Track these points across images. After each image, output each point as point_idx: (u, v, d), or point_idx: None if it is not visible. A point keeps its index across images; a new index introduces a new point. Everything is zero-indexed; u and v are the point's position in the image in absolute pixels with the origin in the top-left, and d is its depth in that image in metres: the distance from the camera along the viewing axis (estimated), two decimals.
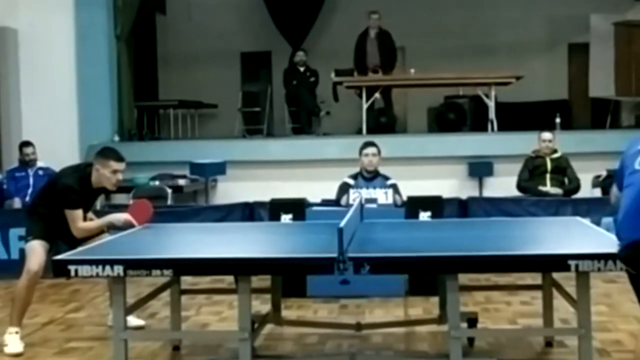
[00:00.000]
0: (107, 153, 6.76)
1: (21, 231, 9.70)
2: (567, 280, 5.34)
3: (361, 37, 14.87)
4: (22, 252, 9.73)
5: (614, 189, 4.88)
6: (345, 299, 7.98)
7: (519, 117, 14.59)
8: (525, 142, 11.31)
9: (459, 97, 16.07)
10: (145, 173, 12.20)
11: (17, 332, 6.47)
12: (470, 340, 6.20)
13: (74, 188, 6.55)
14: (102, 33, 13.45)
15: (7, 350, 6.35)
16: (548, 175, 10.67)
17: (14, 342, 6.40)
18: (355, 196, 8.66)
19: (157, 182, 11.95)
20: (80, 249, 5.89)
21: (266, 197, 9.24)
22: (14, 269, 9.65)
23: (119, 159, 6.70)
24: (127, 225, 6.60)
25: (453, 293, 5.09)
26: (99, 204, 11.06)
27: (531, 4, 17.29)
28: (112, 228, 6.79)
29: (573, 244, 5.39)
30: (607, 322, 6.89)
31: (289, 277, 7.36)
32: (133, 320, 6.69)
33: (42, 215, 6.68)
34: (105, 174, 6.61)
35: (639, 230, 4.31)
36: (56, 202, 6.61)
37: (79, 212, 6.59)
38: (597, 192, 10.96)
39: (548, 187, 10.58)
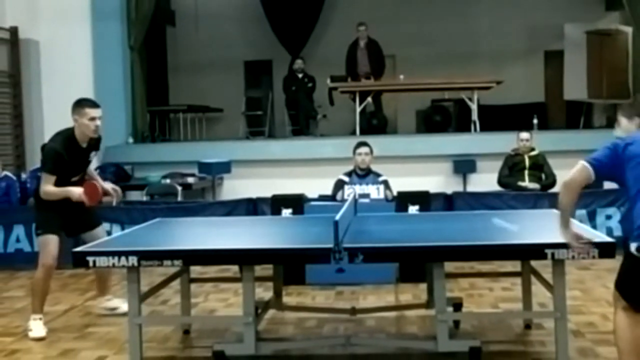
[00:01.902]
0: (82, 102, 6.59)
1: None
2: (544, 267, 5.34)
3: (351, 46, 14.88)
4: None
5: (585, 166, 4.80)
6: (341, 286, 7.98)
7: (500, 118, 14.57)
8: (505, 142, 11.31)
9: (444, 100, 16.08)
10: (157, 172, 12.20)
11: (40, 319, 6.46)
12: (456, 323, 6.21)
13: (57, 152, 6.38)
14: (117, 44, 13.44)
15: (31, 334, 6.35)
16: (526, 172, 10.68)
17: (38, 328, 6.39)
18: (349, 192, 8.66)
19: (168, 180, 11.94)
20: (97, 242, 5.88)
21: (268, 193, 9.23)
22: (37, 260, 9.73)
23: (94, 104, 6.57)
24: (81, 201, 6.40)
25: (440, 280, 5.09)
26: (114, 201, 11.13)
27: (510, 14, 17.29)
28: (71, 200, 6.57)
29: (549, 235, 5.37)
30: (580, 305, 6.90)
31: (289, 266, 7.35)
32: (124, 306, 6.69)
33: (48, 206, 6.50)
34: (84, 122, 6.44)
35: None
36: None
37: (52, 178, 6.39)
38: None
39: (526, 183, 10.59)
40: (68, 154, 6.42)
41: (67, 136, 6.50)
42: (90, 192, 6.45)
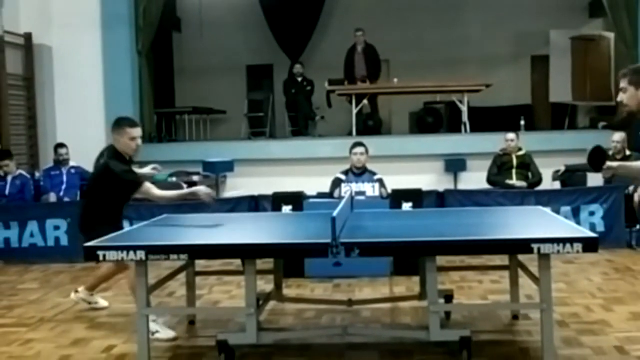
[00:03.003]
0: (121, 122, 6.44)
1: (56, 222, 9.78)
2: (530, 261, 5.34)
3: (350, 51, 14.88)
4: (58, 240, 9.84)
5: None
6: (338, 279, 7.98)
7: (489, 120, 14.57)
8: (494, 142, 11.32)
9: (436, 103, 16.07)
10: (164, 171, 12.12)
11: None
12: (447, 314, 6.22)
13: (126, 166, 6.28)
14: (126, 49, 13.42)
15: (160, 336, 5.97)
16: (514, 171, 10.69)
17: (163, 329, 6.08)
18: (346, 189, 8.66)
19: (174, 179, 11.93)
20: (108, 236, 5.87)
21: (269, 191, 9.24)
22: (51, 254, 9.76)
23: (133, 124, 6.42)
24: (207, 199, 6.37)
25: (432, 273, 5.09)
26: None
27: (498, 21, 17.29)
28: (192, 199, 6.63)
29: (536, 230, 5.39)
30: (565, 297, 6.90)
31: (289, 260, 7.36)
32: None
33: (104, 222, 6.15)
34: (125, 141, 6.30)
35: None
36: (118, 190, 6.30)
37: (148, 184, 6.31)
38: (557, 185, 10.96)
39: (514, 181, 10.60)
40: (124, 166, 6.32)
41: (116, 152, 6.33)
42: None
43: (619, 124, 5.11)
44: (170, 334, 6.01)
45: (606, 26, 14.92)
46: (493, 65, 16.90)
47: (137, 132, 6.39)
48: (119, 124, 6.42)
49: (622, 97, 5.24)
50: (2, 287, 8.31)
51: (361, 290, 7.61)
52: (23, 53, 12.88)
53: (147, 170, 6.92)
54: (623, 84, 5.21)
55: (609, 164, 5.22)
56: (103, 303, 7.07)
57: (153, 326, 6.40)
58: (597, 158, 5.18)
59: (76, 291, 7.10)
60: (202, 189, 6.51)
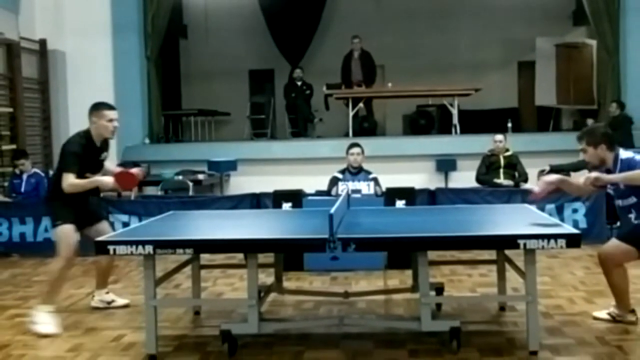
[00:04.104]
0: (99, 105, 6.33)
1: None
2: (517, 256, 5.35)
3: (346, 57, 14.89)
4: None
5: None
6: (335, 272, 7.98)
7: (478, 122, 14.59)
8: (482, 143, 11.33)
9: (428, 106, 16.08)
10: (170, 169, 12.20)
11: (51, 312, 6.03)
12: (438, 306, 6.22)
13: (76, 151, 6.10)
14: (135, 55, 13.43)
15: (39, 329, 5.90)
16: (501, 170, 10.69)
17: (47, 321, 5.94)
18: (343, 188, 8.65)
19: (180, 177, 11.93)
20: (118, 231, 5.87)
21: (270, 189, 9.23)
22: None
23: (111, 107, 6.34)
24: (113, 189, 6.25)
25: (423, 267, 5.10)
26: (132, 195, 11.15)
27: (487, 29, 17.30)
28: (102, 190, 6.42)
29: (522, 226, 5.38)
30: (550, 290, 6.91)
31: (289, 254, 7.35)
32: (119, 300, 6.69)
33: (63, 199, 6.14)
34: (103, 123, 6.20)
35: None
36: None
37: (74, 174, 6.03)
38: None
39: (501, 180, 10.60)
40: (85, 153, 6.16)
41: (83, 136, 6.23)
42: (123, 179, 6.20)
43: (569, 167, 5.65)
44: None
45: (589, 34, 14.93)
46: (482, 71, 16.91)
47: (114, 114, 6.30)
48: (97, 107, 6.31)
49: (584, 156, 5.72)
50: (17, 279, 8.32)
51: (357, 282, 7.61)
52: (38, 58, 12.89)
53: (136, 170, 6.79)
54: (582, 145, 5.66)
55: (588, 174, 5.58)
56: (121, 301, 6.80)
57: (109, 297, 6.51)
58: None
59: (92, 297, 6.88)
60: (106, 182, 6.18)
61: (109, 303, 6.78)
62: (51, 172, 11.46)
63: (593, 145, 5.55)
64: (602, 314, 5.84)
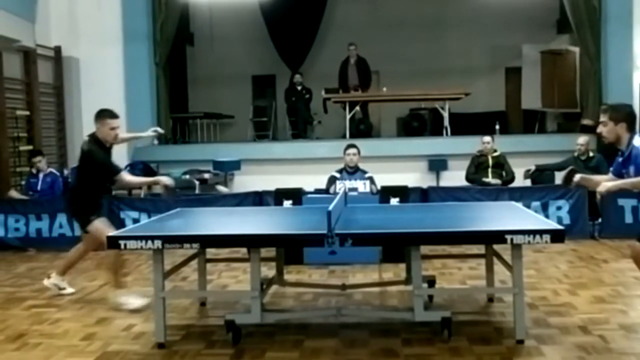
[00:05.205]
0: (102, 113, 6.42)
1: None
2: (504, 250, 5.34)
3: (343, 63, 14.90)
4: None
5: None
6: (333, 265, 7.98)
7: (467, 124, 14.56)
8: (472, 144, 11.32)
9: (421, 109, 16.06)
10: (178, 169, 12.18)
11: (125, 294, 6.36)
12: (430, 297, 6.22)
13: (104, 158, 6.31)
14: (145, 61, 13.41)
15: (130, 307, 6.22)
16: (490, 169, 10.68)
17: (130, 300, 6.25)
18: (340, 186, 8.66)
19: (187, 176, 11.92)
20: (129, 227, 5.85)
21: (272, 187, 9.23)
22: (77, 243, 9.73)
23: (113, 115, 6.41)
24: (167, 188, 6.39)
25: (416, 260, 5.09)
26: (142, 193, 11.16)
27: (476, 37, 17.28)
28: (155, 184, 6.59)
29: (509, 223, 5.39)
30: (535, 282, 6.91)
31: (289, 248, 7.34)
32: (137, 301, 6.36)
33: (91, 197, 6.41)
34: (106, 130, 6.32)
35: None
36: (98, 176, 6.37)
37: (124, 171, 6.45)
38: (528, 182, 10.96)
39: (490, 179, 10.60)
40: (103, 154, 6.38)
41: (93, 141, 6.38)
42: None
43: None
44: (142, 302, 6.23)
45: (572, 41, 14.91)
46: (471, 76, 16.88)
47: (116, 122, 6.41)
48: (101, 115, 6.41)
49: (601, 129, 5.30)
50: (34, 272, 8.31)
51: (353, 275, 7.61)
52: (53, 64, 12.87)
53: (148, 132, 6.91)
54: (603, 118, 5.26)
55: (578, 176, 5.39)
56: (69, 289, 6.95)
57: (126, 299, 6.40)
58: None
59: (48, 276, 7.04)
60: (163, 179, 6.49)
61: (60, 289, 6.90)
62: (66, 172, 11.51)
63: (614, 120, 5.18)
64: None
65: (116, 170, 6.38)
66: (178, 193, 11.24)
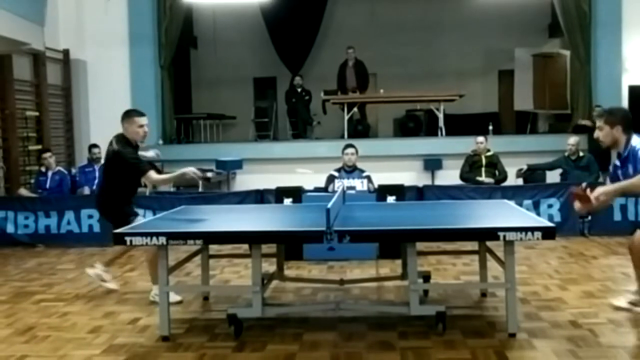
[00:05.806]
0: (130, 112, 6.38)
1: (90, 212, 9.75)
2: (497, 247, 5.34)
3: (342, 66, 14.88)
4: (91, 227, 9.84)
5: None
6: (332, 261, 7.99)
7: (462, 125, 14.53)
8: (466, 144, 11.32)
9: (416, 110, 16.02)
10: (182, 168, 12.13)
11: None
12: (425, 292, 6.22)
13: (135, 155, 6.23)
14: (150, 63, 13.40)
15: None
16: (483, 169, 10.68)
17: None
18: (339, 185, 8.68)
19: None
20: (134, 224, 5.85)
21: (273, 186, 9.22)
22: (85, 239, 9.76)
23: (141, 114, 6.36)
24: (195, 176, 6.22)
25: (412, 256, 5.09)
26: (147, 191, 11.13)
27: (470, 40, 17.25)
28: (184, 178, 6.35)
29: (502, 220, 5.39)
30: (527, 278, 6.91)
31: (289, 245, 7.36)
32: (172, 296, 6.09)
33: (123, 199, 6.32)
34: (135, 129, 6.25)
35: None
36: (128, 176, 6.25)
37: (152, 171, 6.28)
38: (520, 181, 10.97)
39: (483, 178, 10.60)
40: (133, 152, 6.30)
41: (123, 141, 6.28)
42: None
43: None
44: (177, 297, 6.14)
45: (563, 45, 14.91)
46: (465, 78, 16.88)
47: (144, 120, 6.34)
48: (129, 114, 6.38)
49: (598, 134, 5.28)
50: (43, 268, 8.31)
51: (351, 271, 7.62)
52: (61, 66, 12.87)
53: (150, 153, 6.86)
54: (599, 122, 5.25)
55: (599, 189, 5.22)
56: (112, 285, 6.77)
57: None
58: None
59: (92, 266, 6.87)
60: (190, 169, 6.28)
61: (102, 281, 6.72)
62: (73, 170, 11.51)
63: (610, 124, 5.20)
64: (622, 302, 5.63)
65: (145, 169, 6.23)
66: (182, 191, 11.28)
